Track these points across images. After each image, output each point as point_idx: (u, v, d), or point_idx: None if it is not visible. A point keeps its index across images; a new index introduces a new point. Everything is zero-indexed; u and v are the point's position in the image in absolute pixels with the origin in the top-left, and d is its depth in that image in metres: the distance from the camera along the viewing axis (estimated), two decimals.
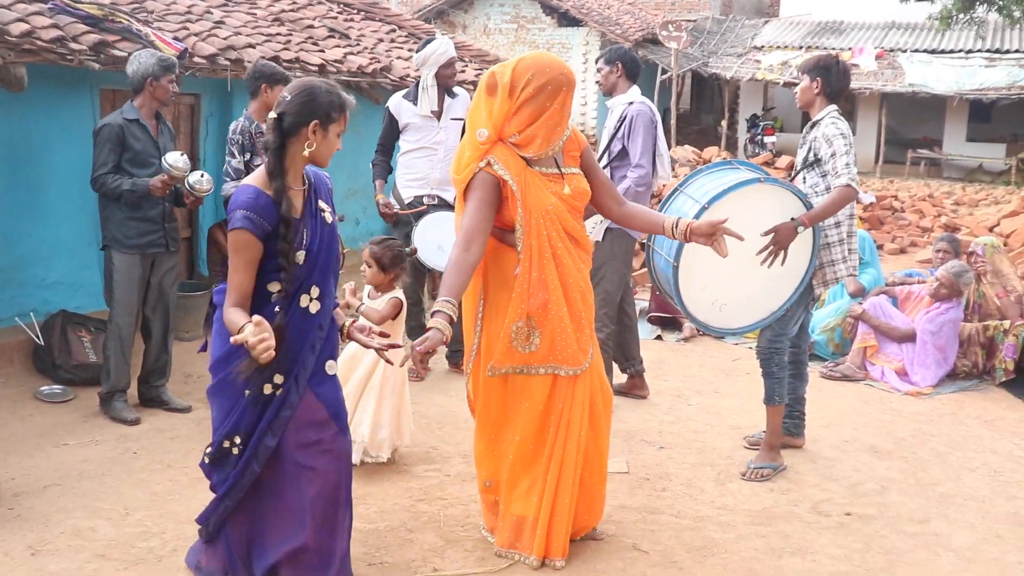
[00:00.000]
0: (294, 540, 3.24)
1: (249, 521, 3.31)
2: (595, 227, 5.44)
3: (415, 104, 6.14)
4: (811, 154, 4.79)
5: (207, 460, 3.30)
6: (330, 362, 3.35)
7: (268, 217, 3.09)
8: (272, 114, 3.13)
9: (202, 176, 5.22)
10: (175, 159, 4.99)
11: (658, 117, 5.68)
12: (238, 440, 3.22)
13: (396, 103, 6.21)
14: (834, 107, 4.80)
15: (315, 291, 3.24)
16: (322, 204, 3.29)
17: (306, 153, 3.15)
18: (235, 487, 3.24)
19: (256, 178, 3.16)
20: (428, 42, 6.21)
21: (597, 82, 5.89)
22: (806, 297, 4.82)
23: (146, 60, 5.15)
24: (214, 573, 3.39)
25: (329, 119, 3.15)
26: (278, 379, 3.20)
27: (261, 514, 3.30)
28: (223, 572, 3.37)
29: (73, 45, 5.56)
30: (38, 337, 5.86)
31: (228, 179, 5.56)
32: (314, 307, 3.25)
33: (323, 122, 3.14)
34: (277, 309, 3.13)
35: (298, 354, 3.22)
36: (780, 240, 4.43)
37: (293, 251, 3.13)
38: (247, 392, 3.18)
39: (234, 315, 3.03)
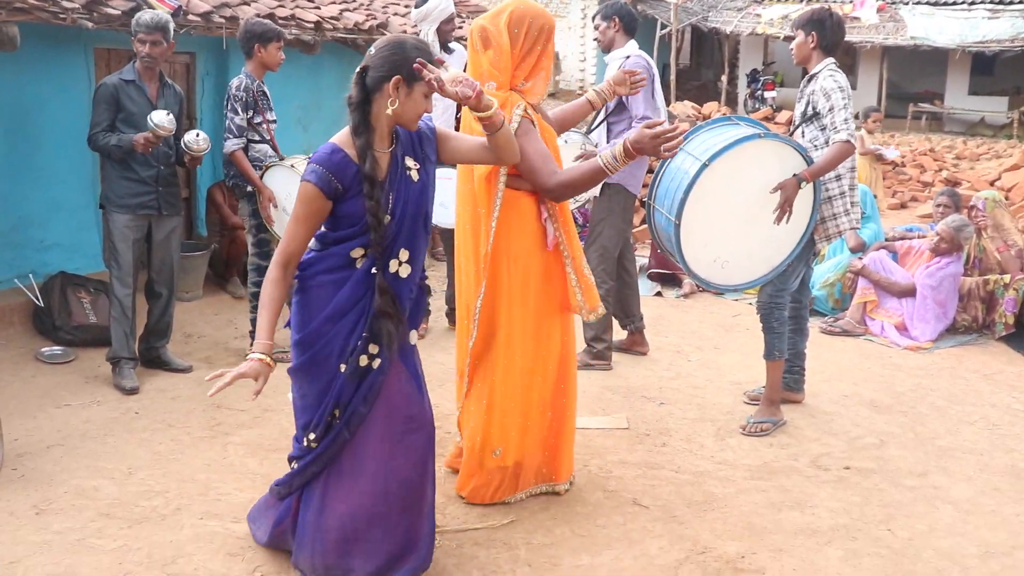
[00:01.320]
0: (367, 508, 3.18)
1: (322, 489, 3.24)
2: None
3: None
4: (809, 108, 4.76)
5: (315, 441, 3.18)
6: (412, 332, 3.28)
7: (340, 175, 2.98)
8: (359, 67, 3.04)
9: (197, 135, 5.18)
10: (160, 118, 4.94)
11: (655, 70, 5.63)
12: (338, 413, 3.15)
13: None
14: (831, 60, 4.76)
15: (404, 255, 3.13)
16: (408, 162, 3.15)
17: (389, 112, 3.02)
18: (325, 452, 3.17)
19: (340, 136, 3.05)
20: None
21: (595, 39, 5.83)
22: (807, 252, 4.81)
23: (132, 22, 5.10)
24: (267, 527, 3.43)
25: (413, 76, 3.00)
26: (373, 349, 3.12)
27: (334, 486, 3.22)
28: (276, 528, 3.39)
29: (65, 3, 5.49)
30: (38, 299, 5.86)
31: (231, 136, 5.52)
32: (404, 271, 3.14)
33: (407, 79, 3.01)
34: (374, 271, 3.06)
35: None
36: (787, 197, 4.41)
37: (382, 212, 3.02)
38: (342, 367, 3.09)
39: (271, 294, 3.03)
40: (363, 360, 3.12)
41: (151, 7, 5.70)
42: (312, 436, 3.18)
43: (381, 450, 3.18)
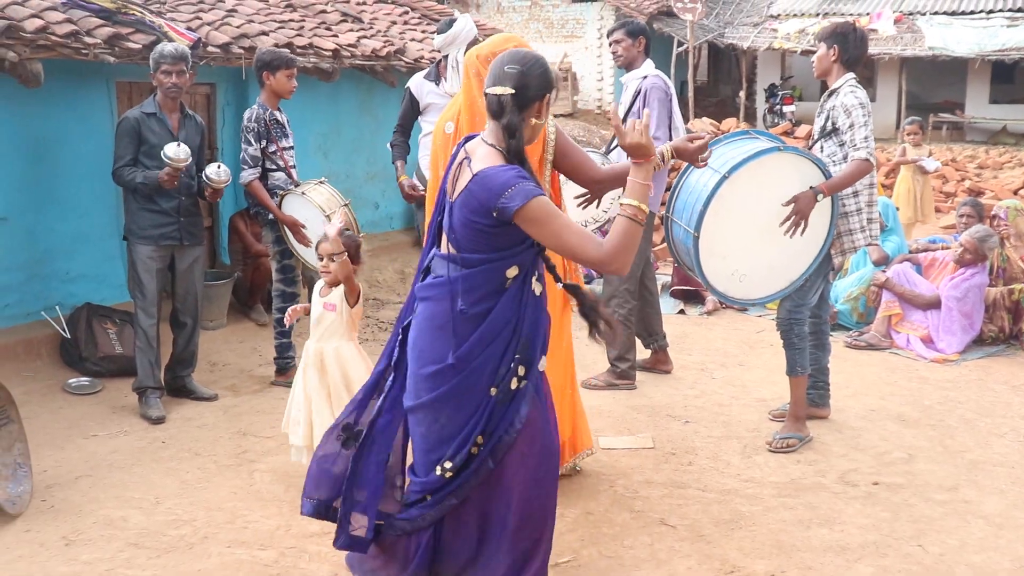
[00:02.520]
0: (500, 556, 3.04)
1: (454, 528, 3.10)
2: (612, 203, 5.41)
3: (436, 84, 6.11)
4: (829, 123, 4.76)
5: (449, 472, 2.98)
6: (543, 357, 3.10)
7: None
8: (501, 89, 2.91)
9: (219, 167, 5.24)
10: (174, 151, 4.99)
11: (672, 89, 5.63)
12: (481, 440, 2.97)
13: (417, 83, 6.18)
14: (852, 75, 4.75)
15: (535, 272, 3.07)
16: None
17: (534, 123, 2.97)
18: (465, 483, 3.00)
19: (491, 160, 2.91)
20: (452, 22, 6.15)
21: (617, 53, 5.74)
22: (825, 266, 4.78)
23: (151, 55, 5.17)
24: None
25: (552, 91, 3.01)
26: (521, 371, 2.98)
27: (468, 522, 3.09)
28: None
29: (87, 39, 5.58)
30: (64, 330, 5.92)
31: (245, 167, 5.57)
32: (537, 289, 3.07)
33: (550, 95, 3.00)
34: (538, 293, 3.01)
35: (535, 342, 3.02)
36: (801, 209, 4.40)
37: None
38: (493, 390, 2.96)
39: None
40: (514, 383, 2.98)
41: (171, 40, 5.78)
42: (449, 465, 2.99)
43: (521, 481, 3.05)
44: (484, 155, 2.94)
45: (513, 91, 2.91)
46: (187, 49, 5.27)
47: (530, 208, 2.80)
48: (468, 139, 3.14)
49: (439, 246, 3.10)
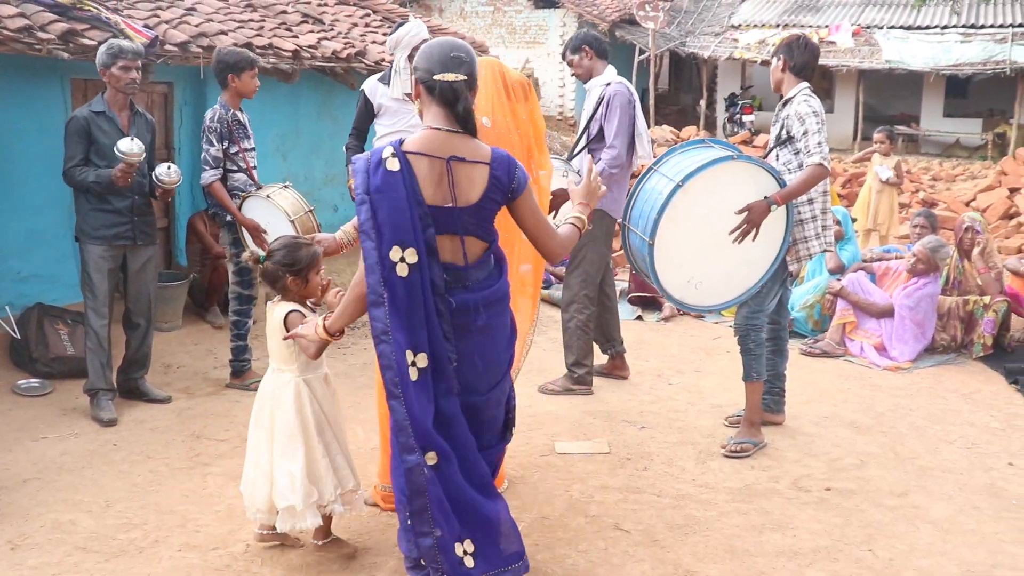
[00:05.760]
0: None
1: None
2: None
3: (388, 87, 6.09)
4: (784, 131, 4.81)
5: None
6: None
7: None
8: (453, 76, 2.99)
9: (169, 168, 5.16)
10: (127, 145, 4.90)
11: (636, 97, 5.66)
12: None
13: (371, 86, 6.15)
14: (805, 84, 4.82)
15: None
16: None
17: None
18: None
19: (479, 146, 3.07)
20: (400, 24, 6.15)
21: (574, 73, 5.84)
22: (781, 273, 4.83)
23: (100, 51, 5.09)
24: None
25: None
26: None
27: None
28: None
29: (41, 34, 5.49)
30: (14, 331, 5.81)
31: (207, 167, 5.51)
32: None
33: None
34: None
35: None
36: (753, 218, 4.45)
37: None
38: None
39: None
40: None
41: (128, 37, 5.71)
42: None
43: None
44: (474, 145, 3.06)
45: (465, 78, 3.05)
46: (140, 46, 5.21)
47: (529, 183, 3.07)
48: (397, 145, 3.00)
49: (474, 250, 3.07)
